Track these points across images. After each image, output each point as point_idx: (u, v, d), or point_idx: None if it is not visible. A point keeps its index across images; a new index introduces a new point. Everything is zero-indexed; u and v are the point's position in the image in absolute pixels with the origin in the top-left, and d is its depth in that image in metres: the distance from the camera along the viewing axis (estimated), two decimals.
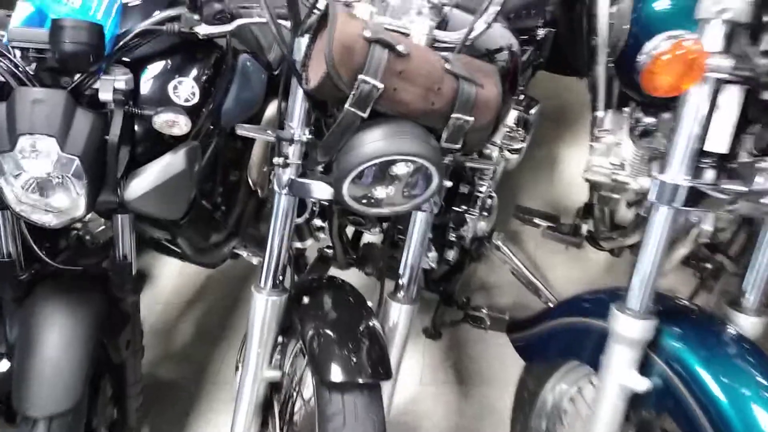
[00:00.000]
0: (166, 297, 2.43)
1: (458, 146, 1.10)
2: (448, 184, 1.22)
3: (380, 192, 1.08)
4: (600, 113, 2.04)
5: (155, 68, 1.40)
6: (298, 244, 1.60)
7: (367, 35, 0.98)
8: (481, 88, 1.08)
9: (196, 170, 1.47)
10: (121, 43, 1.32)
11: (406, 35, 1.12)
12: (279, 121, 1.16)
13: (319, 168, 1.16)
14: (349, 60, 0.97)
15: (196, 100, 1.42)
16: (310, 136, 1.13)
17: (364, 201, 1.10)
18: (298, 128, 1.13)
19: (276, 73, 1.82)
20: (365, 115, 1.01)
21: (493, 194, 1.86)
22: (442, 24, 1.26)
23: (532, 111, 2.15)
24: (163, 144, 1.42)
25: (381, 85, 0.99)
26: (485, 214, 1.82)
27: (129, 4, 1.42)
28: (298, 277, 1.83)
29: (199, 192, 1.63)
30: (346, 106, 1.00)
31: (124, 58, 1.36)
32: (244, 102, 1.66)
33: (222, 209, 1.70)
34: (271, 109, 1.80)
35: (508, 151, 2.05)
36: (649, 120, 1.35)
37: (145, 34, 1.35)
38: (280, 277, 1.24)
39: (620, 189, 1.59)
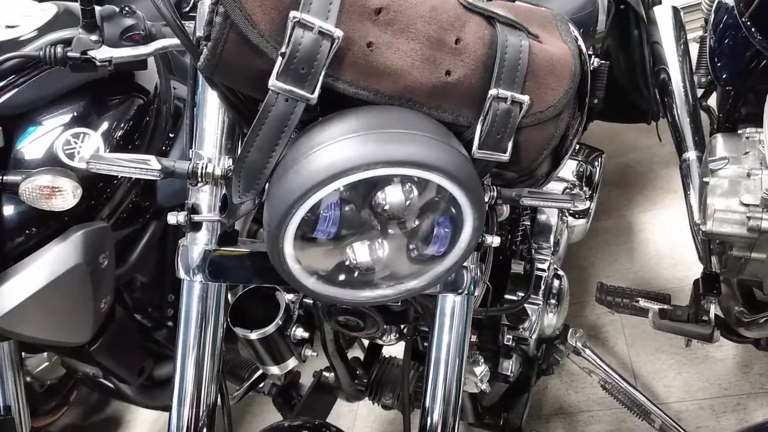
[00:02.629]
0: None
1: (505, 156, 0.57)
2: (495, 241, 0.68)
3: (361, 252, 0.55)
4: (690, 154, 1.52)
5: (43, 120, 0.95)
6: (274, 369, 1.04)
7: None
8: (537, 40, 0.57)
9: (105, 265, 0.97)
10: None
11: None
12: (188, 149, 0.66)
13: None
14: None
15: None
16: (227, 168, 0.62)
17: (341, 277, 0.57)
18: (213, 154, 0.63)
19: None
20: (312, 96, 0.50)
21: (561, 273, 1.29)
22: None
23: (596, 163, 1.65)
24: (54, 229, 0.94)
25: (338, 32, 0.49)
26: (553, 302, 1.25)
27: (20, 38, 1.00)
28: (284, 415, 1.26)
29: (131, 301, 1.13)
30: (271, 80, 0.50)
31: None
32: None
33: (168, 326, 1.17)
34: None
35: (571, 215, 1.52)
36: None
37: (21, 70, 0.92)
38: None
39: (764, 244, 1.01)
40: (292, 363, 1.08)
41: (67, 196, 0.88)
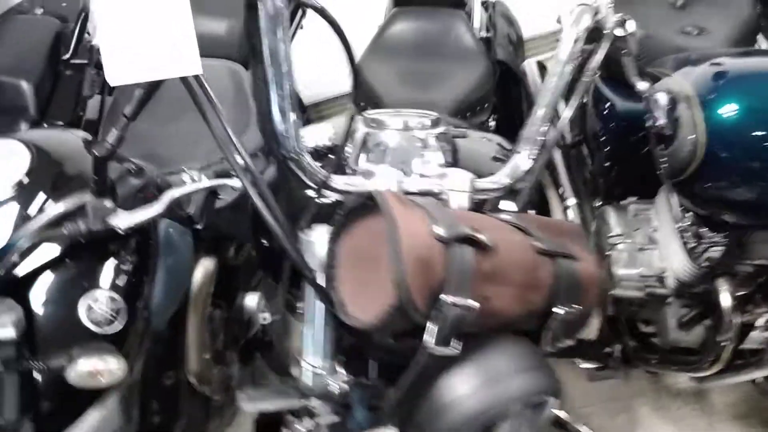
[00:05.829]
0: None
1: (563, 345, 0.78)
2: None
3: None
4: (570, 201, 1.83)
5: (51, 286, 0.95)
6: None
7: (440, 232, 0.64)
8: (579, 261, 0.77)
9: (134, 413, 1.01)
10: None
11: (440, 198, 0.80)
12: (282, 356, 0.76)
13: None
14: (426, 277, 0.62)
15: (123, 317, 0.97)
16: (348, 379, 0.74)
17: None
18: (326, 372, 0.74)
19: (200, 227, 1.39)
20: (457, 351, 0.65)
21: None
22: (456, 159, 0.99)
23: None
24: (82, 393, 0.95)
25: (475, 305, 0.64)
26: None
27: None
28: None
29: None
30: (426, 343, 0.64)
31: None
32: (176, 281, 1.21)
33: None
34: (200, 270, 1.34)
35: None
36: (713, 237, 1.11)
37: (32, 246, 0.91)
38: None
39: (659, 305, 1.34)
40: None
41: (115, 372, 0.90)
